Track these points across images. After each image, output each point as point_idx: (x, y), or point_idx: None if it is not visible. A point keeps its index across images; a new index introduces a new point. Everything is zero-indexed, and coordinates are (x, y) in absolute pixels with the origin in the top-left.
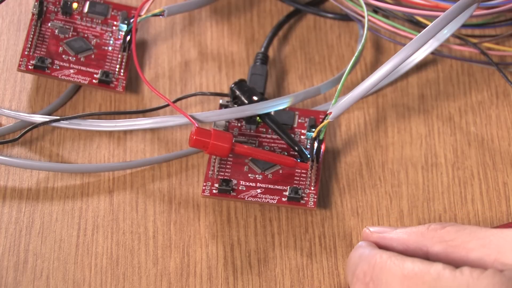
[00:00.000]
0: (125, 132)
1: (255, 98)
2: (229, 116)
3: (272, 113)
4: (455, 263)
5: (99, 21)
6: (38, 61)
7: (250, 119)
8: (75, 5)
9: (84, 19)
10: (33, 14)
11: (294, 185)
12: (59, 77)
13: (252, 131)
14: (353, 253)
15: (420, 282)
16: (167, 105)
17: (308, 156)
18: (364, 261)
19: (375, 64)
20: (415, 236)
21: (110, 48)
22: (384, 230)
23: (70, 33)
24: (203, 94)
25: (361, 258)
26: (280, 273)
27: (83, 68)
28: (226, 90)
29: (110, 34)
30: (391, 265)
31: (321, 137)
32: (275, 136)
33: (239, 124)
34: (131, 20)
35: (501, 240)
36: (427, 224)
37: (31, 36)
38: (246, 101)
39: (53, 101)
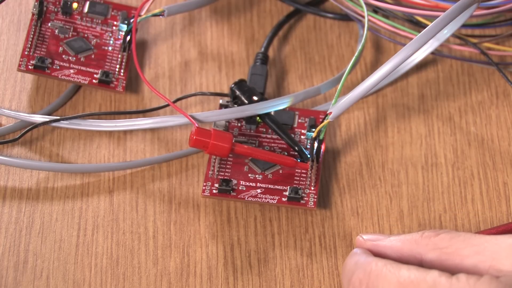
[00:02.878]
0: (125, 132)
1: (255, 98)
2: (229, 116)
3: (272, 113)
4: (450, 270)
5: (99, 21)
6: (38, 61)
7: (250, 119)
8: (75, 5)
9: (84, 19)
10: (33, 14)
11: (294, 185)
12: (59, 77)
13: (252, 131)
14: (348, 260)
15: None
16: (167, 105)
17: (308, 156)
18: (359, 269)
19: (375, 64)
20: (409, 244)
21: (110, 48)
22: (377, 238)
23: (70, 33)
24: (203, 94)
25: (356, 266)
26: (280, 273)
27: (83, 68)
28: (226, 90)
29: (110, 34)
30: (386, 272)
31: (321, 137)
32: (275, 136)
33: (239, 124)
34: (131, 20)
35: (495, 246)
36: (421, 231)
37: (31, 36)
38: (246, 101)
39: (53, 101)
